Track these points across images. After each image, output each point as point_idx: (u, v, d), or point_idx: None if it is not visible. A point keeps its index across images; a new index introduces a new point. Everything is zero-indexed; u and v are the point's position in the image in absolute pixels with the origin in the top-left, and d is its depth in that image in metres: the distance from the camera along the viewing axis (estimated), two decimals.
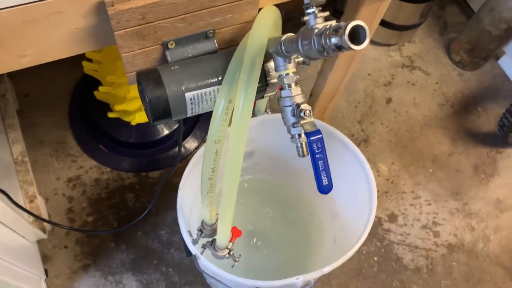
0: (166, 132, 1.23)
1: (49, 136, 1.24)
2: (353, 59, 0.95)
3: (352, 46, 0.37)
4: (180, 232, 0.78)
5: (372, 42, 1.49)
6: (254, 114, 0.94)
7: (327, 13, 0.43)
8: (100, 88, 1.07)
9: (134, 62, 0.56)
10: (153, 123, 0.55)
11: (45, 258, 1.09)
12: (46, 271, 1.06)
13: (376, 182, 1.30)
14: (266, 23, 0.53)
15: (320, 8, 0.43)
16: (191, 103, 0.54)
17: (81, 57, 1.00)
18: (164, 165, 1.23)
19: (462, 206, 1.28)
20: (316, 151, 0.50)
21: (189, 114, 0.56)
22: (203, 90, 0.54)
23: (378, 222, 1.23)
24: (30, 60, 0.51)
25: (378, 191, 1.27)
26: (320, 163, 0.50)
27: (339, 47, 0.39)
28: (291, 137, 0.54)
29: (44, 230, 1.08)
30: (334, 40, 0.39)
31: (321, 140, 0.50)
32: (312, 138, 0.50)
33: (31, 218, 1.04)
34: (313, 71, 1.40)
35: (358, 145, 1.33)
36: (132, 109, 1.13)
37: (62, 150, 1.23)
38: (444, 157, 1.35)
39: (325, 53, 0.41)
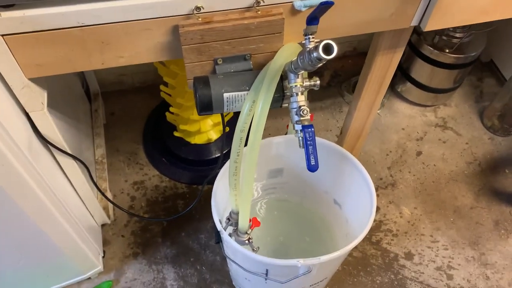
0: (218, 154, 1.47)
1: (125, 147, 1.52)
2: (373, 103, 1.14)
3: (323, 55, 0.58)
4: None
5: (409, 101, 1.67)
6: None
7: (318, 40, 0.65)
8: (171, 108, 1.34)
9: (193, 71, 0.80)
10: (199, 113, 0.78)
11: (105, 242, 1.32)
12: (104, 252, 1.29)
13: (397, 222, 1.43)
14: (285, 54, 0.75)
15: (313, 36, 0.65)
16: (227, 101, 0.77)
17: (158, 89, 1.28)
18: (213, 181, 1.45)
19: (478, 255, 1.36)
20: (308, 138, 0.70)
21: (225, 110, 0.78)
22: (236, 93, 0.76)
23: (394, 258, 1.34)
24: (125, 60, 0.77)
25: (398, 230, 1.40)
26: (310, 147, 0.70)
27: (319, 59, 0.60)
28: (295, 132, 0.74)
29: (108, 217, 1.33)
30: (315, 53, 0.60)
31: (312, 132, 0.70)
32: (306, 129, 0.70)
33: (102, 204, 1.29)
34: None
35: (385, 188, 1.48)
36: (193, 130, 1.39)
37: (133, 159, 1.50)
38: (466, 209, 1.45)
39: (311, 63, 0.62)
